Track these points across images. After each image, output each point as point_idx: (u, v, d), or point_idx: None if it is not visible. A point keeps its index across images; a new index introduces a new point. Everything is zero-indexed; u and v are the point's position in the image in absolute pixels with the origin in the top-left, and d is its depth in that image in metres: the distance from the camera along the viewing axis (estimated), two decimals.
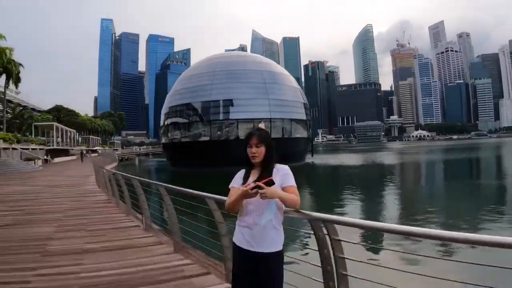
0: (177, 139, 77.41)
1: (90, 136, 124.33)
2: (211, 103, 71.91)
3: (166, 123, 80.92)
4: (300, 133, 78.57)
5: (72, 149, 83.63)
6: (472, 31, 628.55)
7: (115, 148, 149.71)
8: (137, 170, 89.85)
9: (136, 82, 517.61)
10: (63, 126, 72.90)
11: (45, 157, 60.44)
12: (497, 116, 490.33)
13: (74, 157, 77.51)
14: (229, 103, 71.75)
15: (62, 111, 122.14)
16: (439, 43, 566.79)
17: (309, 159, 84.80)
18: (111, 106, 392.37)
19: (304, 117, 79.43)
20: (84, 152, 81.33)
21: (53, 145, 68.83)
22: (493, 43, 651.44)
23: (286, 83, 79.02)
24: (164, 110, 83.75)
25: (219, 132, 71.80)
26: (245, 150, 4.11)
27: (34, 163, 49.14)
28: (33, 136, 68.77)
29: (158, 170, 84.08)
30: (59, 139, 73.87)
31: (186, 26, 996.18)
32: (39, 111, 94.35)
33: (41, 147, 63.19)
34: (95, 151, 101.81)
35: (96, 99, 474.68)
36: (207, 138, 72.06)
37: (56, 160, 64.85)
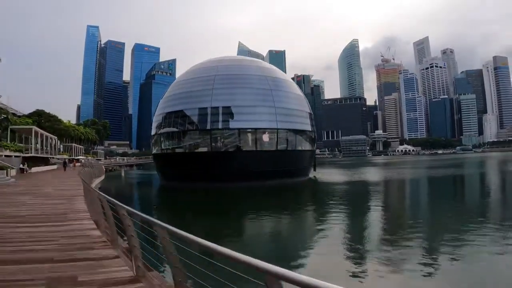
0: (170, 150, 70.01)
1: (73, 145, 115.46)
2: (210, 110, 64.76)
3: (157, 131, 73.38)
4: (305, 145, 72.14)
5: (53, 158, 75.17)
6: (456, 47, 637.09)
7: (98, 158, 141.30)
8: (123, 183, 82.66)
9: (120, 92, 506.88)
10: (43, 132, 63.79)
11: (22, 165, 51.79)
12: (480, 131, 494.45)
13: (55, 167, 69.28)
14: (229, 110, 64.92)
15: (43, 116, 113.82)
16: (424, 59, 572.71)
17: (311, 173, 78.30)
18: (94, 115, 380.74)
19: (309, 128, 73.03)
20: (67, 161, 73.27)
21: (31, 152, 59.41)
22: (476, 59, 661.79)
23: (291, 90, 72.66)
24: (156, 117, 76.18)
25: (218, 143, 64.67)
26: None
27: (6, 173, 40.57)
28: (8, 141, 58.89)
29: (147, 184, 76.61)
30: (39, 146, 64.80)
31: (172, 36, 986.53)
32: (19, 116, 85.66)
33: (17, 154, 53.86)
34: (78, 160, 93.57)
35: (79, 107, 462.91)
36: (204, 149, 64.90)
37: (35, 169, 55.88)
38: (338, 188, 57.13)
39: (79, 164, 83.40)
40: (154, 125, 76.17)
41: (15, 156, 51.80)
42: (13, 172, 43.90)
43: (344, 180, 69.53)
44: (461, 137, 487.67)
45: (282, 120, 65.37)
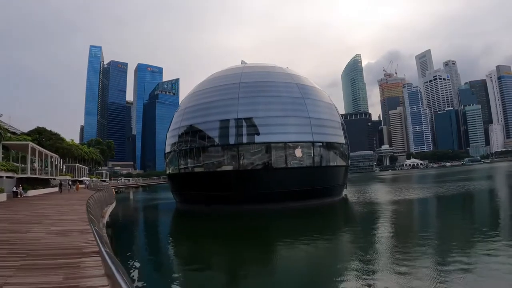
0: (188, 169, 62.21)
1: (77, 165, 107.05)
2: (234, 123, 57.25)
3: (172, 149, 65.76)
4: (339, 160, 64.28)
5: (55, 179, 67.05)
6: (458, 59, 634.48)
7: (103, 179, 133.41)
8: (134, 208, 74.92)
9: (124, 112, 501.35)
10: (42, 149, 54.61)
11: (15, 188, 42.92)
12: (487, 142, 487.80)
13: (56, 189, 61.23)
14: (256, 122, 57.36)
15: (44, 134, 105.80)
16: (427, 72, 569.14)
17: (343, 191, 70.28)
18: (98, 135, 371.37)
19: (343, 140, 65.20)
20: (64, 182, 65.05)
21: (28, 173, 49.93)
22: (479, 70, 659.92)
23: (321, 99, 65.09)
24: (170, 133, 68.51)
25: (243, 160, 56.85)
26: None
27: None
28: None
29: (162, 209, 68.65)
30: (36, 165, 55.73)
31: (175, 56, 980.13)
32: (17, 135, 77.68)
33: (10, 174, 44.89)
34: (81, 181, 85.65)
35: (82, 128, 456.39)
36: (229, 168, 57.07)
37: (32, 193, 46.99)
38: (382, 210, 49.01)
39: (83, 186, 75.58)
40: (168, 141, 68.55)
41: (7, 177, 43.10)
42: (2, 197, 35.70)
43: (381, 200, 61.23)
44: (468, 148, 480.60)
45: (317, 132, 57.83)
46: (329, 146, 61.05)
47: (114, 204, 41.60)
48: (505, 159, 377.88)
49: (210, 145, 59.13)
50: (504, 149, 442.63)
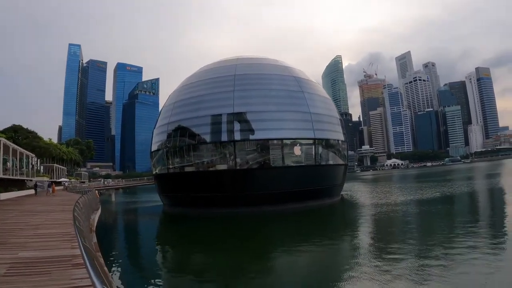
0: (177, 169, 57.64)
1: (55, 165, 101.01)
2: (229, 118, 53.00)
3: (160, 147, 61.09)
4: (338, 159, 60.66)
5: (31, 180, 61.52)
6: (437, 61, 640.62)
7: (82, 181, 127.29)
8: (120, 212, 70.18)
9: (103, 112, 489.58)
10: (16, 147, 48.67)
11: None
12: (467, 142, 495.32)
13: (32, 192, 55.73)
14: (251, 117, 53.18)
15: (20, 132, 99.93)
16: (407, 73, 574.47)
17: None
18: (76, 136, 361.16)
19: (342, 137, 61.61)
20: (41, 184, 59.57)
21: None
22: (457, 73, 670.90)
23: (319, 93, 61.43)
24: (156, 130, 63.75)
25: (237, 158, 52.71)
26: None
27: None
28: None
29: (149, 213, 64.14)
30: (9, 165, 49.69)
31: (156, 56, 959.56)
32: None
33: None
34: (59, 183, 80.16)
35: (60, 128, 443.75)
36: (223, 167, 52.84)
37: (5, 196, 41.20)
38: (383, 212, 45.51)
39: (61, 187, 70.30)
40: (155, 139, 63.76)
41: None
42: None
43: (380, 202, 56.98)
44: (448, 148, 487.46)
45: (318, 128, 54.16)
46: (329, 143, 57.50)
47: (100, 210, 36.96)
48: (484, 159, 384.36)
49: (201, 142, 54.75)
50: (483, 149, 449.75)
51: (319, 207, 52.05)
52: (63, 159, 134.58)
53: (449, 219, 37.49)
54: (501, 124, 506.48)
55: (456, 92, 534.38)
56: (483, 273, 17.70)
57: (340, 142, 60.51)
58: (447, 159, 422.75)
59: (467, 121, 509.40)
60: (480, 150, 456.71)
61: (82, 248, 6.98)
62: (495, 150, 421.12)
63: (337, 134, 59.77)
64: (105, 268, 10.16)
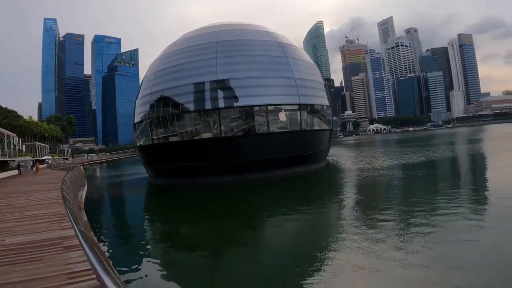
0: (161, 140, 56.86)
1: (37, 143, 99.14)
2: (212, 85, 52.11)
3: (143, 118, 60.01)
4: (323, 124, 60.49)
5: (14, 161, 60.18)
6: (419, 27, 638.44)
7: (66, 157, 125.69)
8: (106, 186, 69.41)
9: (82, 86, 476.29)
10: None
11: None
12: (448, 107, 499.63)
13: (15, 172, 54.39)
14: (235, 84, 52.35)
15: None
16: (389, 39, 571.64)
17: None
18: (57, 112, 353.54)
19: (327, 102, 61.31)
20: (24, 163, 58.28)
21: None
22: (440, 39, 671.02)
23: (303, 58, 60.60)
24: (138, 101, 62.49)
25: (222, 126, 52.14)
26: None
27: None
28: None
29: (135, 185, 63.42)
30: None
31: (133, 27, 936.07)
32: None
33: None
34: (42, 161, 78.84)
35: (40, 105, 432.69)
36: (207, 136, 52.29)
37: None
38: (369, 176, 45.75)
39: (44, 165, 69.11)
40: (137, 110, 62.58)
41: None
42: None
43: (365, 167, 57.09)
44: (430, 114, 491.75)
45: (303, 94, 53.65)
46: (314, 109, 57.21)
47: (86, 186, 36.26)
48: (466, 125, 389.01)
49: (185, 111, 53.88)
50: (465, 115, 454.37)
51: (305, 173, 52.20)
52: (44, 136, 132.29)
53: (433, 183, 37.73)
54: (483, 90, 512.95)
55: (438, 58, 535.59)
56: (467, 240, 17.85)
57: (325, 107, 60.24)
58: (429, 124, 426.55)
59: (449, 87, 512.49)
60: (461, 115, 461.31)
61: (77, 232, 6.40)
62: (477, 116, 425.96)
63: (322, 99, 59.45)
64: (101, 249, 9.77)
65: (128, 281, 15.67)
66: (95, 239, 12.59)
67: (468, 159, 59.33)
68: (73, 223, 7.26)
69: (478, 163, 53.79)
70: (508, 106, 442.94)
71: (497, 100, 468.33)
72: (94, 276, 5.76)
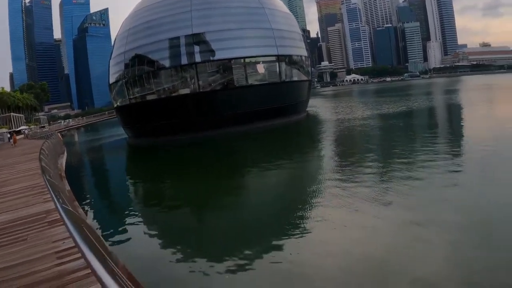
0: (138, 99, 55.58)
1: (11, 114, 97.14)
2: (185, 40, 50.64)
3: (118, 78, 58.39)
4: (302, 75, 59.95)
5: None
6: None
7: (42, 125, 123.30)
8: (86, 151, 67.99)
9: (53, 51, 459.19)
10: None
11: None
12: (425, 58, 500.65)
13: None
14: (211, 37, 51.02)
15: None
16: None
17: None
18: (29, 80, 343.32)
19: (305, 52, 60.53)
20: (1, 136, 56.80)
21: None
22: None
23: (279, 8, 59.09)
24: (112, 61, 60.61)
25: (200, 82, 51.16)
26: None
27: None
28: None
29: (119, 149, 62.19)
30: None
31: None
32: None
33: None
34: (19, 132, 77.26)
35: (11, 75, 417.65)
36: (185, 92, 51.34)
37: None
38: (350, 127, 45.97)
39: (21, 136, 67.60)
40: (112, 70, 60.77)
41: None
42: None
43: (346, 117, 57.04)
44: (407, 64, 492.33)
45: (281, 44, 52.69)
46: (293, 60, 56.51)
47: (65, 153, 35.41)
48: (443, 75, 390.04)
49: (161, 68, 52.60)
50: (442, 66, 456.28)
51: (286, 124, 52.20)
52: (19, 106, 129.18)
53: (413, 133, 38.16)
54: (460, 42, 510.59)
55: (415, 8, 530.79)
56: (442, 186, 18.14)
57: (303, 58, 59.57)
58: (406, 74, 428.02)
59: (426, 37, 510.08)
60: (438, 66, 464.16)
61: (59, 208, 5.86)
62: (454, 67, 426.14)
63: (300, 49, 58.68)
64: (86, 220, 9.33)
65: (114, 244, 15.40)
66: (80, 209, 12.23)
67: (446, 110, 59.78)
68: (54, 197, 6.70)
69: (456, 113, 53.95)
70: (485, 58, 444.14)
71: (474, 52, 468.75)
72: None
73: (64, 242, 6.69)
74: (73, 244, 5.82)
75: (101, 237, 9.49)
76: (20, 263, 6.17)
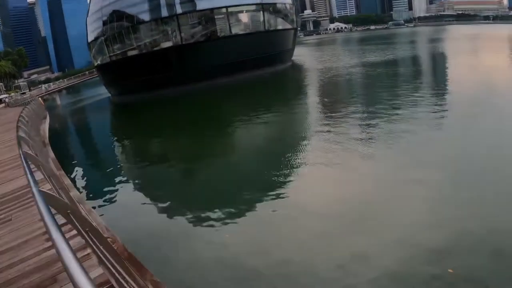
0: (120, 55, 53.90)
1: None
2: None
3: (97, 35, 56.40)
4: (287, 24, 58.47)
5: None
6: None
7: (23, 92, 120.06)
8: (74, 113, 66.33)
9: (28, 15, 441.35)
10: None
11: None
12: (410, 7, 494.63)
13: None
14: None
15: None
16: None
17: None
18: (5, 47, 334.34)
19: (289, 0, 58.77)
20: None
21: None
22: None
23: None
24: (89, 18, 58.46)
25: (182, 34, 49.58)
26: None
27: None
28: None
29: (103, 109, 60.66)
30: None
31: None
32: None
33: None
34: (0, 101, 75.42)
35: None
36: (168, 45, 49.83)
37: None
38: (340, 75, 45.19)
39: (3, 105, 65.91)
40: (90, 28, 58.72)
41: None
42: None
43: (332, 66, 56.03)
44: (391, 12, 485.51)
45: None
46: (277, 8, 55.01)
47: (48, 117, 34.17)
48: (428, 24, 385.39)
49: (141, 22, 50.80)
50: (427, 15, 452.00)
51: (272, 74, 51.42)
52: None
53: (400, 81, 37.38)
54: None
55: None
56: (424, 139, 17.84)
57: (287, 5, 57.93)
58: (390, 22, 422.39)
59: None
60: (423, 15, 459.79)
61: (34, 190, 4.67)
62: (439, 16, 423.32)
63: None
64: (72, 193, 8.59)
65: (102, 206, 14.97)
66: (66, 179, 11.49)
67: (433, 59, 58.52)
68: (29, 175, 5.58)
69: (445, 63, 52.65)
70: (470, 8, 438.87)
71: (460, 1, 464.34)
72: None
73: None
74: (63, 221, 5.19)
75: (91, 209, 8.87)
76: (7, 249, 5.68)
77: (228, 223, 11.75)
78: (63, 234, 2.53)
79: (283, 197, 13.16)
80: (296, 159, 17.65)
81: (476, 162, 13.81)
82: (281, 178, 15.17)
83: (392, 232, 9.77)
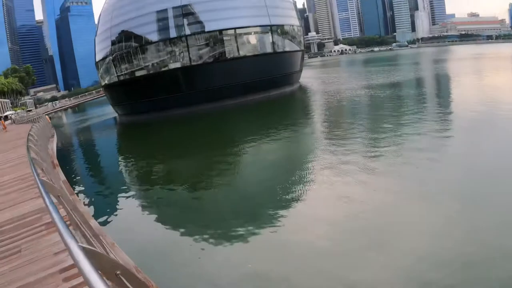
0: (127, 76, 53.79)
1: None
2: (173, 12, 48.95)
3: (105, 55, 56.46)
4: (294, 45, 58.44)
5: None
6: None
7: (29, 109, 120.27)
8: (81, 131, 65.84)
9: (36, 33, 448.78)
10: None
11: None
12: (413, 28, 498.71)
13: None
14: (201, 8, 49.21)
15: None
16: None
17: None
18: (13, 64, 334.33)
19: (297, 22, 58.99)
20: None
21: None
22: None
23: None
24: (98, 38, 58.61)
25: (190, 55, 49.57)
26: None
27: None
28: None
29: (110, 128, 60.24)
30: None
31: None
32: None
33: None
34: (6, 117, 75.09)
35: None
36: (176, 65, 49.78)
37: None
38: (349, 98, 44.64)
39: (9, 122, 65.68)
40: (98, 48, 58.83)
41: None
42: None
43: (340, 88, 56.14)
44: (395, 34, 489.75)
45: (274, 14, 51.19)
46: (285, 30, 54.98)
47: (55, 136, 33.64)
48: (430, 45, 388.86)
49: (149, 42, 50.85)
50: (430, 35, 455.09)
51: (280, 96, 51.28)
52: (4, 91, 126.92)
53: (405, 104, 37.00)
54: (448, 11, 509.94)
55: None
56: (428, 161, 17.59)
57: (295, 27, 58.06)
58: (394, 44, 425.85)
59: (414, 7, 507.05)
60: (427, 36, 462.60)
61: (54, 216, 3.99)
62: (442, 37, 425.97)
63: (293, 19, 57.37)
64: (90, 223, 7.78)
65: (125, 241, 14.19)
66: (82, 204, 10.74)
67: (439, 80, 58.09)
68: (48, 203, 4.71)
69: (452, 84, 52.15)
70: (473, 28, 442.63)
71: (462, 21, 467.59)
72: None
73: (68, 255, 4.76)
74: None
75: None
76: None
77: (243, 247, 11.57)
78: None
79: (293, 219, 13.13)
80: (306, 182, 17.50)
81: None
82: (290, 201, 15.00)
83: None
